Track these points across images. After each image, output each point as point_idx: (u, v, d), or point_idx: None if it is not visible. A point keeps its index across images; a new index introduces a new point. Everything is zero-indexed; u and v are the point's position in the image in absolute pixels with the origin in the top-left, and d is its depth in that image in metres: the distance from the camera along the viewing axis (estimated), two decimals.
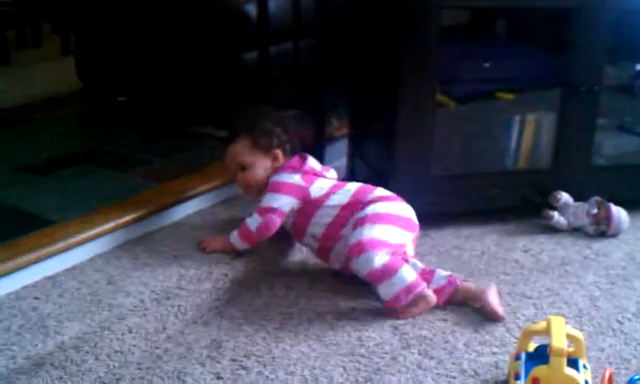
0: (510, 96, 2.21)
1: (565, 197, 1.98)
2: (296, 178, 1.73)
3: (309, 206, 1.72)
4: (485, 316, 1.57)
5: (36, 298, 1.58)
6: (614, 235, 1.95)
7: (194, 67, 2.46)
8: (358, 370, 1.40)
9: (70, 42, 3.44)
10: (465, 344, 1.49)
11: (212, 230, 1.89)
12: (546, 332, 1.28)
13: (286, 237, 1.84)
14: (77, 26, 2.85)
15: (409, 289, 1.55)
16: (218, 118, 2.55)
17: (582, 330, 1.44)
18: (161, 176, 2.13)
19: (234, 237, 1.74)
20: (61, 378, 1.34)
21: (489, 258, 1.84)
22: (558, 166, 2.02)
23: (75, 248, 1.72)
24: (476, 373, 1.40)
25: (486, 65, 2.21)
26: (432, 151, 1.91)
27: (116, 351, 1.43)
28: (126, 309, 1.55)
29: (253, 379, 1.37)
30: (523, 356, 1.33)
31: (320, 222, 1.71)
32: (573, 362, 1.28)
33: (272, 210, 1.71)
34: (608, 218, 1.94)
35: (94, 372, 1.37)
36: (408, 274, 1.57)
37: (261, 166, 1.78)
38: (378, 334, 1.51)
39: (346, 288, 1.67)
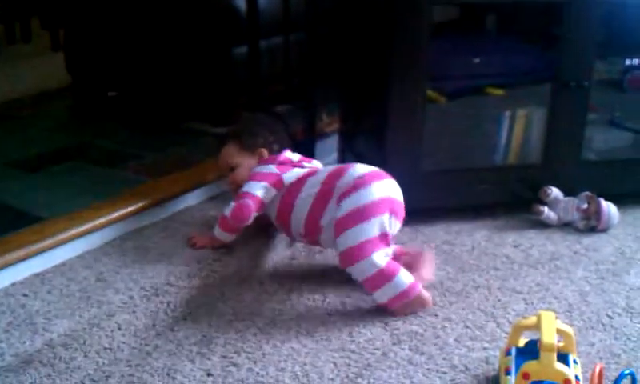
0: (500, 91, 2.21)
1: (555, 192, 1.99)
2: (270, 167, 1.77)
3: (286, 197, 1.72)
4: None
5: (24, 295, 1.57)
6: (604, 230, 1.95)
7: (184, 62, 2.45)
8: (349, 365, 1.40)
9: (59, 38, 3.42)
10: (455, 339, 1.49)
11: (202, 227, 1.89)
12: (537, 327, 1.28)
13: (275, 233, 1.84)
14: (66, 21, 2.83)
15: (405, 293, 1.54)
16: (208, 112, 2.54)
17: (572, 325, 1.44)
18: (151, 172, 2.12)
19: (216, 228, 1.75)
20: (49, 376, 1.33)
21: (479, 253, 1.84)
22: (549, 161, 2.02)
23: (64, 245, 1.71)
24: (467, 368, 1.40)
25: (476, 60, 2.21)
26: (422, 147, 1.91)
27: (105, 348, 1.42)
28: (115, 306, 1.54)
29: (243, 376, 1.36)
30: (514, 351, 1.33)
31: (298, 217, 1.70)
32: (563, 357, 1.28)
33: (244, 194, 1.73)
34: (598, 213, 1.94)
35: (83, 369, 1.36)
36: (405, 277, 1.55)
37: (247, 166, 1.83)
38: (369, 329, 1.51)
39: (337, 284, 1.66)
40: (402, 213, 1.65)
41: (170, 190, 1.99)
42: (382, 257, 1.55)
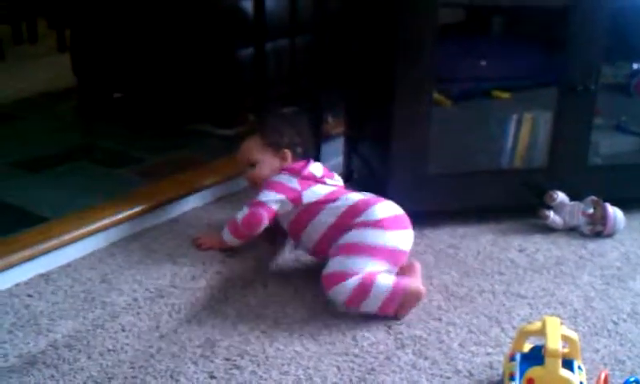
0: (506, 95, 2.21)
1: (561, 196, 1.98)
2: (292, 180, 1.71)
3: (302, 215, 1.69)
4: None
5: (29, 296, 1.57)
6: (610, 235, 1.94)
7: (189, 64, 2.45)
8: (352, 369, 1.39)
9: (66, 39, 3.43)
10: (460, 344, 1.48)
11: (207, 228, 1.88)
12: (541, 333, 1.28)
13: (281, 236, 1.83)
14: (72, 22, 2.83)
15: (391, 296, 1.53)
16: (213, 114, 2.54)
17: (577, 331, 1.44)
18: (155, 173, 2.12)
19: (225, 231, 1.74)
20: (53, 377, 1.33)
21: (484, 257, 1.84)
22: (554, 165, 2.01)
23: (69, 245, 1.71)
24: (470, 373, 1.39)
25: (483, 63, 2.21)
26: (428, 150, 1.90)
27: (109, 350, 1.42)
28: (119, 307, 1.54)
29: (246, 378, 1.36)
30: (518, 357, 1.32)
31: (311, 237, 1.69)
32: (568, 363, 1.28)
33: (259, 204, 1.70)
34: (604, 217, 1.93)
35: (87, 370, 1.36)
36: (384, 280, 1.54)
37: (268, 164, 1.79)
38: (373, 333, 1.51)
39: None
40: (403, 262, 1.65)
41: (174, 192, 1.99)
42: (355, 279, 1.55)
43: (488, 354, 1.45)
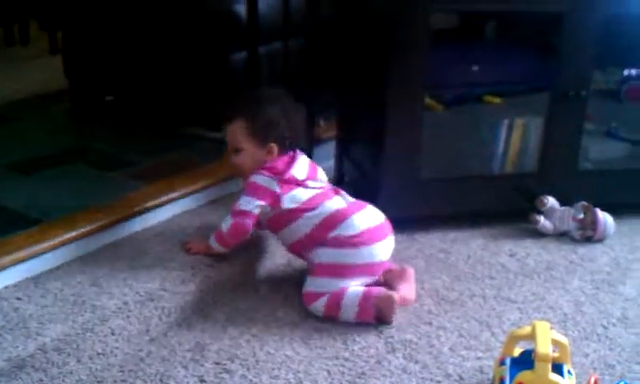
0: (498, 100, 2.22)
1: (551, 201, 1.99)
2: (273, 184, 1.67)
3: (280, 217, 1.68)
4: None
5: (18, 299, 1.56)
6: (600, 240, 1.95)
7: (182, 67, 2.44)
8: (343, 373, 1.39)
9: (58, 41, 3.42)
10: (450, 348, 1.48)
11: (198, 232, 1.88)
12: (531, 337, 1.28)
13: (270, 239, 1.83)
14: (64, 24, 2.82)
15: (363, 303, 1.54)
16: (206, 118, 2.54)
17: (566, 335, 1.44)
18: (147, 176, 2.12)
19: (212, 240, 1.73)
20: (41, 381, 1.33)
21: (475, 261, 1.84)
22: (545, 170, 2.02)
23: (59, 248, 1.71)
24: (461, 377, 1.40)
25: (475, 68, 2.21)
26: (419, 154, 1.90)
27: (98, 353, 1.42)
28: (109, 310, 1.53)
29: (237, 382, 1.36)
30: (508, 361, 1.32)
31: (286, 238, 1.70)
32: (558, 368, 1.28)
33: (243, 213, 1.67)
34: (594, 223, 1.94)
35: (76, 374, 1.35)
36: (353, 290, 1.56)
37: (253, 155, 1.71)
38: (363, 337, 1.51)
39: None
40: (381, 271, 1.65)
41: (166, 195, 1.98)
42: (325, 297, 1.57)
43: (478, 358, 1.46)
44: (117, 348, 1.43)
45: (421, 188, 1.93)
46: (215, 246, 1.73)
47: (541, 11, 1.98)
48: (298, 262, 1.78)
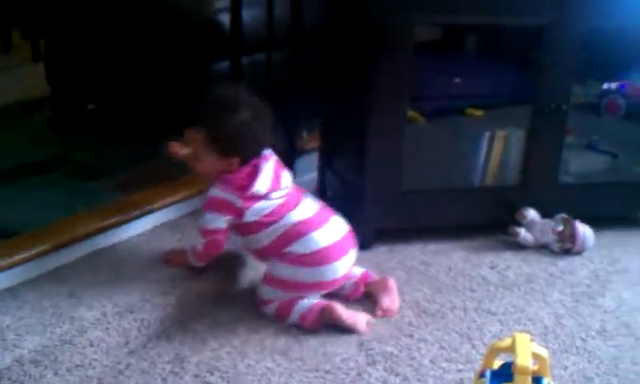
0: (479, 112, 2.23)
1: (532, 214, 2.00)
2: (236, 199, 1.62)
3: (241, 227, 1.66)
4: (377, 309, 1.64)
5: None
6: (579, 253, 1.96)
7: (165, 76, 2.43)
8: None
9: (40, 48, 3.39)
10: (430, 361, 1.48)
11: (179, 243, 1.87)
12: (512, 349, 1.28)
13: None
14: (47, 32, 2.81)
15: (308, 312, 1.58)
16: (187, 127, 2.52)
17: (546, 348, 1.44)
18: (129, 186, 2.10)
19: (189, 256, 1.71)
20: None
21: (455, 273, 1.84)
22: (526, 183, 2.03)
23: (37, 259, 1.69)
24: None
25: (457, 80, 2.23)
26: (401, 166, 1.91)
27: (77, 365, 1.40)
28: (87, 322, 1.52)
29: None
30: (488, 373, 1.32)
31: (246, 244, 1.70)
32: (537, 381, 1.28)
33: (212, 232, 1.65)
34: (573, 235, 1.95)
35: None
36: (307, 301, 1.59)
37: (213, 165, 1.65)
38: (344, 349, 1.50)
39: None
40: (340, 283, 1.66)
41: (147, 205, 1.97)
42: (275, 304, 1.61)
43: (459, 370, 1.46)
44: (95, 360, 1.42)
45: (402, 200, 1.94)
46: (192, 261, 1.72)
47: (521, 25, 2.00)
48: None
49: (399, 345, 1.53)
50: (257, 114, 1.64)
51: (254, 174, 1.63)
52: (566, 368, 1.47)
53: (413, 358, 1.49)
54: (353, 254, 1.66)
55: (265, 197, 1.63)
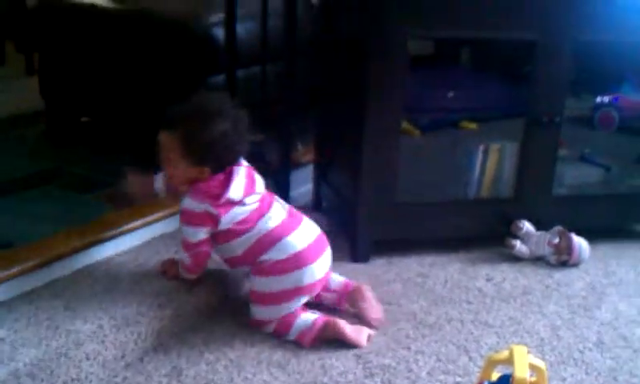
0: (473, 125, 2.24)
1: (527, 226, 2.01)
2: (210, 209, 1.59)
3: (216, 236, 1.64)
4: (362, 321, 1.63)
5: None
6: (575, 265, 1.97)
7: (159, 89, 2.44)
8: None
9: (34, 62, 3.39)
10: (428, 373, 1.48)
11: (174, 255, 1.86)
12: (509, 361, 1.28)
13: None
14: (41, 45, 2.81)
15: (307, 331, 1.57)
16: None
17: (543, 360, 1.45)
18: (123, 198, 2.09)
19: (180, 270, 1.70)
20: None
21: (452, 285, 1.85)
22: (521, 195, 2.04)
23: (32, 272, 1.67)
24: None
25: (450, 94, 2.24)
26: (396, 179, 1.92)
27: (73, 379, 1.39)
28: (84, 335, 1.51)
29: None
30: None
31: (221, 252, 1.69)
32: None
33: (195, 246, 1.64)
34: (569, 247, 1.96)
35: None
36: (305, 318, 1.59)
37: (184, 171, 1.61)
38: (342, 362, 1.50)
39: None
40: (322, 285, 1.66)
41: (142, 218, 1.96)
42: (272, 325, 1.61)
43: (456, 382, 1.46)
44: (92, 373, 1.41)
45: (398, 212, 1.94)
46: (184, 274, 1.71)
47: (515, 38, 2.02)
48: None
49: (397, 357, 1.53)
50: (235, 126, 1.61)
51: (227, 182, 1.61)
52: (564, 380, 1.48)
53: (410, 371, 1.49)
54: (328, 255, 1.66)
55: (239, 203, 1.61)
